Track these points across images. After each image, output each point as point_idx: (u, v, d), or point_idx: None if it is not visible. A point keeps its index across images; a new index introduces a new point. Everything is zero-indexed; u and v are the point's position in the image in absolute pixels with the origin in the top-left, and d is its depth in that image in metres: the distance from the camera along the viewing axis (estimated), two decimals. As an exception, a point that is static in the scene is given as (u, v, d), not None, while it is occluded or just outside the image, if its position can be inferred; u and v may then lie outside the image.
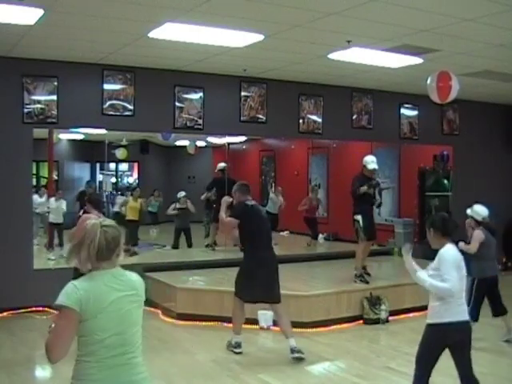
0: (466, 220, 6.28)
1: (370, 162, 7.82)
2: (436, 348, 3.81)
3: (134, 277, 2.57)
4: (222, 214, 6.08)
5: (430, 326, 3.85)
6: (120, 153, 13.02)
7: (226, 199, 6.19)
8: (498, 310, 6.21)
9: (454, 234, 3.97)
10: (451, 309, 3.76)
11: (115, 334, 2.39)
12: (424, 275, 3.82)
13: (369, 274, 7.97)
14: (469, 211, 6.23)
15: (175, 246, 11.20)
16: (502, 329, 6.32)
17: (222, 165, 11.18)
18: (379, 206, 8.35)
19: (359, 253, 7.91)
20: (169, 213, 11.29)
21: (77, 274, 5.08)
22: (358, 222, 7.73)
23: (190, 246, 11.29)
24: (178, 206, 11.18)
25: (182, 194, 11.33)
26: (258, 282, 5.78)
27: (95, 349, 2.36)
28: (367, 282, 7.62)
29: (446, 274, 3.72)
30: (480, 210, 6.18)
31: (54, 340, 2.37)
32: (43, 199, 10.19)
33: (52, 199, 10.10)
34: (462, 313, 3.81)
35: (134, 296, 2.49)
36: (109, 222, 2.56)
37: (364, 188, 7.61)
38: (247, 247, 6.01)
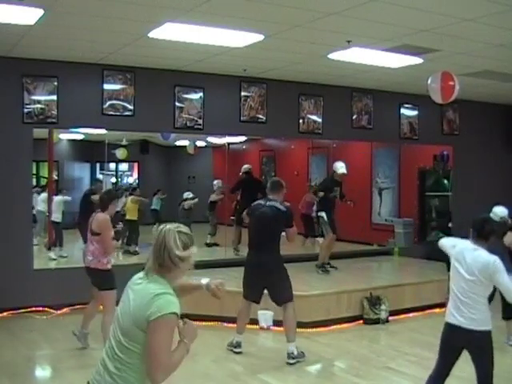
0: None
1: (340, 167, 8.68)
2: (445, 345, 3.93)
3: (149, 289, 2.36)
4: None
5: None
6: (120, 153, 13.02)
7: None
8: (507, 314, 6.16)
9: (490, 238, 3.93)
10: (459, 313, 3.83)
11: (111, 334, 2.45)
12: None
13: (335, 268, 8.64)
14: (491, 215, 6.20)
15: None
16: (504, 329, 6.30)
17: (246, 166, 10.95)
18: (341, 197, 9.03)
19: (324, 247, 8.61)
20: (187, 206, 11.50)
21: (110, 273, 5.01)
22: (323, 217, 8.53)
23: None
24: (192, 202, 11.34)
25: (189, 194, 11.44)
26: (251, 280, 5.85)
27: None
28: (328, 272, 8.38)
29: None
30: (498, 211, 6.21)
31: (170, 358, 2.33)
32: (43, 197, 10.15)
33: (59, 197, 10.11)
34: (469, 320, 3.83)
35: (132, 304, 2.36)
36: (184, 228, 2.52)
37: (321, 194, 8.53)
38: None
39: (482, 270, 3.75)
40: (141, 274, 2.46)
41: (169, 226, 2.45)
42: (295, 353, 5.62)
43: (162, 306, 2.26)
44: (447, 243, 4.12)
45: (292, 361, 5.60)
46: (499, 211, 6.21)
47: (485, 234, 3.90)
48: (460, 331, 3.79)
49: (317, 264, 8.43)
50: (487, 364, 3.81)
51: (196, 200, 11.61)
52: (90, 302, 6.05)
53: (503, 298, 6.08)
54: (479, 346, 3.80)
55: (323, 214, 8.50)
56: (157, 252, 2.39)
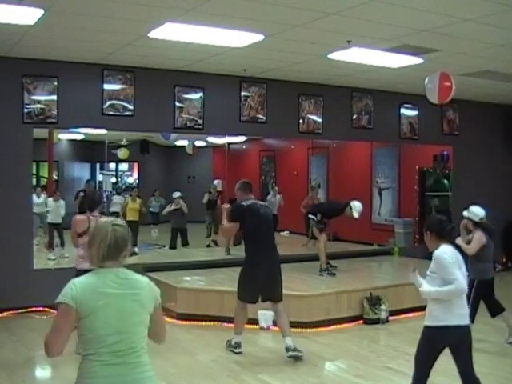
0: (462, 221, 6.26)
1: (356, 212, 8.34)
2: (433, 350, 3.79)
3: (140, 278, 2.57)
4: (224, 221, 6.11)
5: (427, 328, 3.82)
6: (120, 153, 13.03)
7: (225, 207, 6.21)
8: (495, 310, 6.18)
9: (450, 236, 3.94)
10: (451, 312, 3.73)
11: (116, 333, 2.40)
12: (427, 287, 3.79)
13: (334, 267, 8.54)
14: (465, 213, 6.20)
15: (173, 246, 11.24)
16: (503, 329, 6.30)
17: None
18: None
19: (321, 247, 8.46)
20: (164, 213, 11.36)
21: (79, 273, 5.11)
22: (313, 219, 8.55)
23: (184, 245, 11.31)
24: (173, 206, 11.22)
25: (176, 194, 11.36)
26: (258, 280, 5.80)
27: (97, 347, 2.39)
28: (334, 274, 8.20)
29: (449, 274, 3.69)
30: (477, 211, 6.14)
31: (51, 335, 2.40)
32: (41, 199, 10.19)
33: (50, 199, 10.11)
34: (461, 317, 3.77)
35: (136, 296, 2.48)
36: (120, 221, 2.59)
37: (318, 217, 8.48)
38: (248, 246, 6.00)
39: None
40: (109, 273, 2.49)
41: (105, 219, 2.61)
42: (293, 345, 5.67)
43: (156, 287, 2.61)
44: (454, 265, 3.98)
45: (292, 353, 5.63)
46: (479, 212, 6.14)
47: (445, 233, 3.89)
48: (466, 329, 3.80)
49: (320, 269, 8.33)
50: (471, 356, 3.82)
51: (177, 200, 11.33)
52: None
53: (486, 299, 6.11)
54: (469, 339, 3.82)
55: (313, 217, 8.53)
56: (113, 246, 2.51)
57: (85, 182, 12.31)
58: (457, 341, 3.77)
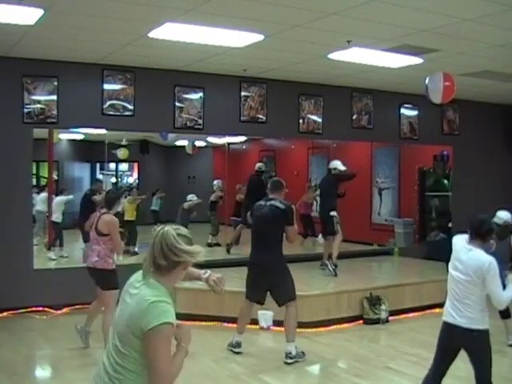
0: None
1: (340, 164, 8.74)
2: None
3: (147, 294, 2.30)
4: None
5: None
6: (120, 153, 13.02)
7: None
8: (506, 312, 6.18)
9: (487, 238, 3.90)
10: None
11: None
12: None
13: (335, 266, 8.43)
14: (495, 219, 6.25)
15: None
16: (503, 329, 6.31)
17: (258, 165, 11.03)
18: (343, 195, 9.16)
19: (337, 245, 8.48)
20: (186, 206, 11.56)
21: (113, 273, 5.00)
22: (336, 217, 8.48)
23: None
24: (185, 205, 11.37)
25: (193, 197, 11.52)
26: (251, 281, 5.85)
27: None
28: (336, 275, 8.12)
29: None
30: (502, 215, 6.26)
31: (169, 366, 2.23)
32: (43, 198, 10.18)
33: (61, 197, 10.12)
34: None
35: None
36: (183, 230, 2.41)
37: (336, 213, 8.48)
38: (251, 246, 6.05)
39: (476, 271, 3.75)
40: (139, 277, 2.37)
41: (167, 227, 2.35)
42: (293, 353, 5.62)
43: (157, 315, 2.20)
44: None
45: (290, 360, 5.60)
46: (503, 215, 6.27)
47: (482, 234, 3.87)
48: (458, 330, 3.79)
49: (331, 262, 8.27)
50: (485, 364, 3.81)
51: (197, 201, 11.62)
52: (94, 301, 6.05)
53: None
54: (477, 345, 3.80)
55: (335, 214, 8.43)
56: (157, 251, 2.30)
57: (95, 181, 12.27)
58: (463, 342, 3.85)
